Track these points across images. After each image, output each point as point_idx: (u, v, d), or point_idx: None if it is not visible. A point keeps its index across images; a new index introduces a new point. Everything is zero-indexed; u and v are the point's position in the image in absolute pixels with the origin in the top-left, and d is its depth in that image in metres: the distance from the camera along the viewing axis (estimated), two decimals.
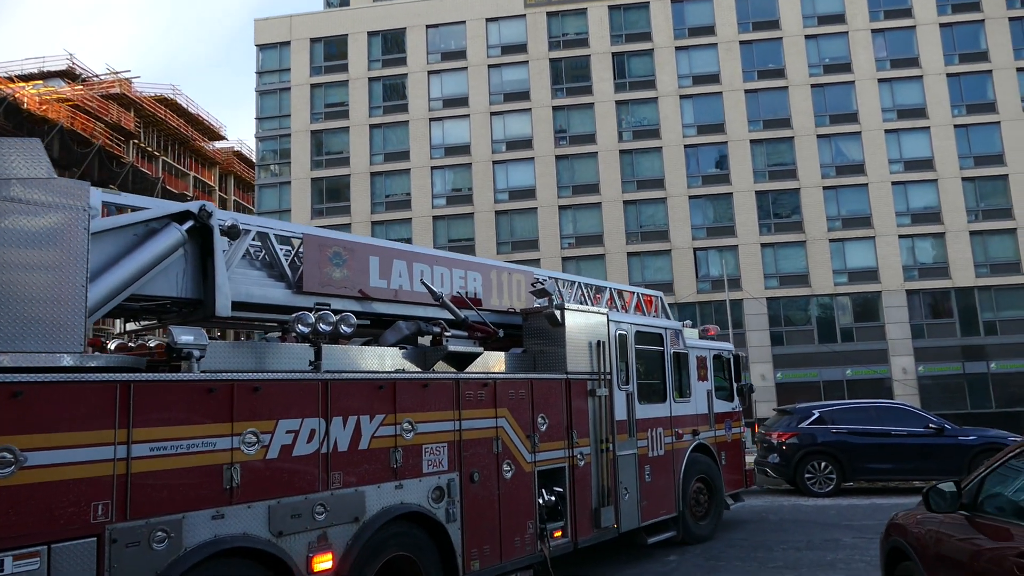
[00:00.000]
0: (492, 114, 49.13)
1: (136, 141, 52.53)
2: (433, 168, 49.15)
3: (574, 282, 11.16)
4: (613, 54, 48.85)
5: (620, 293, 12.06)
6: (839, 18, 47.81)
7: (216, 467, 5.66)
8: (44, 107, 45.55)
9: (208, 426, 5.68)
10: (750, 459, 21.71)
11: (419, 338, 8.14)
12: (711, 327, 13.10)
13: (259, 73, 51.55)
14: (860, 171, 46.25)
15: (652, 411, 10.72)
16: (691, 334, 12.30)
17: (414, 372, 7.63)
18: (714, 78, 48.07)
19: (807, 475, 17.11)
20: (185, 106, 57.62)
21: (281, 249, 7.47)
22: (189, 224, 6.47)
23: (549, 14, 49.56)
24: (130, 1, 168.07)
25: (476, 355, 8.22)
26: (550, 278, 10.42)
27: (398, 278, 8.15)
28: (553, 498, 8.73)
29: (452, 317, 8.33)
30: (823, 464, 17.07)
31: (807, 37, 47.70)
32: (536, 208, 47.96)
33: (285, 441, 6.13)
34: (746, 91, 47.69)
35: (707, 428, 12.17)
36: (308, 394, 6.37)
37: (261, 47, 51.52)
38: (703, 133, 47.74)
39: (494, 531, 7.89)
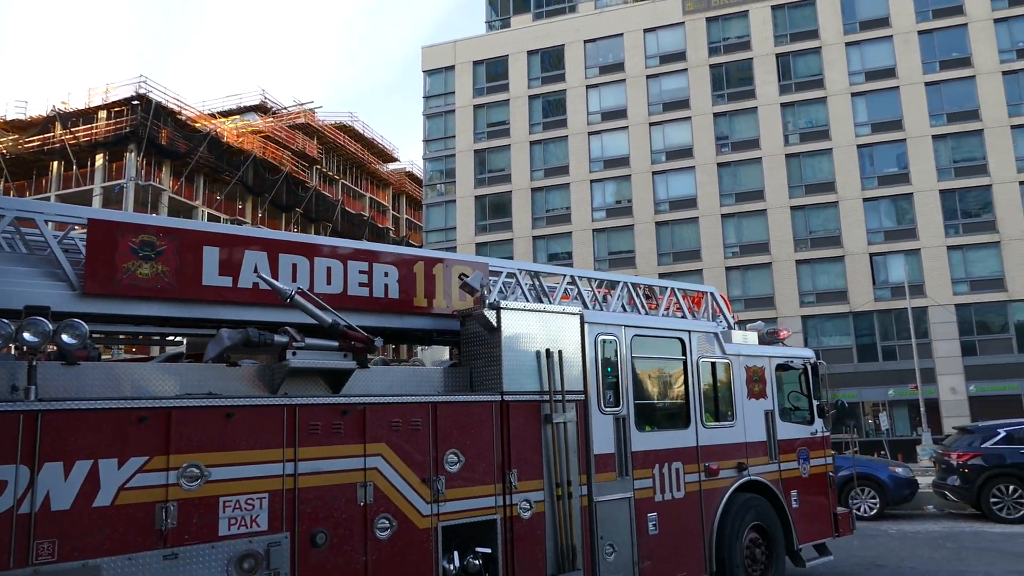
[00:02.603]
0: (651, 124, 46.17)
1: (319, 167, 54.00)
2: (592, 181, 46.84)
3: (571, 276, 8.29)
4: (777, 55, 44.53)
5: (651, 290, 9.14)
6: None
7: None
8: (240, 139, 47.78)
9: None
10: (924, 481, 17.81)
11: (287, 351, 5.80)
12: (783, 329, 9.67)
13: (426, 97, 51.39)
14: None
15: (662, 440, 7.78)
16: (746, 337, 9.09)
17: (246, 396, 5.42)
18: (890, 72, 42.66)
19: (993, 499, 15.15)
20: (361, 131, 58.67)
21: (74, 239, 5.52)
22: None
23: (709, 19, 45.96)
24: (316, 38, 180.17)
25: (347, 372, 5.88)
26: (517, 271, 7.82)
27: (252, 274, 5.96)
28: (478, 562, 6.18)
29: (318, 322, 5.95)
30: (1012, 488, 15.04)
31: (996, 21, 41.10)
32: (698, 218, 44.49)
33: None
34: (926, 84, 41.89)
35: (765, 460, 8.86)
36: None
37: (428, 72, 51.38)
38: (878, 131, 42.47)
39: None
